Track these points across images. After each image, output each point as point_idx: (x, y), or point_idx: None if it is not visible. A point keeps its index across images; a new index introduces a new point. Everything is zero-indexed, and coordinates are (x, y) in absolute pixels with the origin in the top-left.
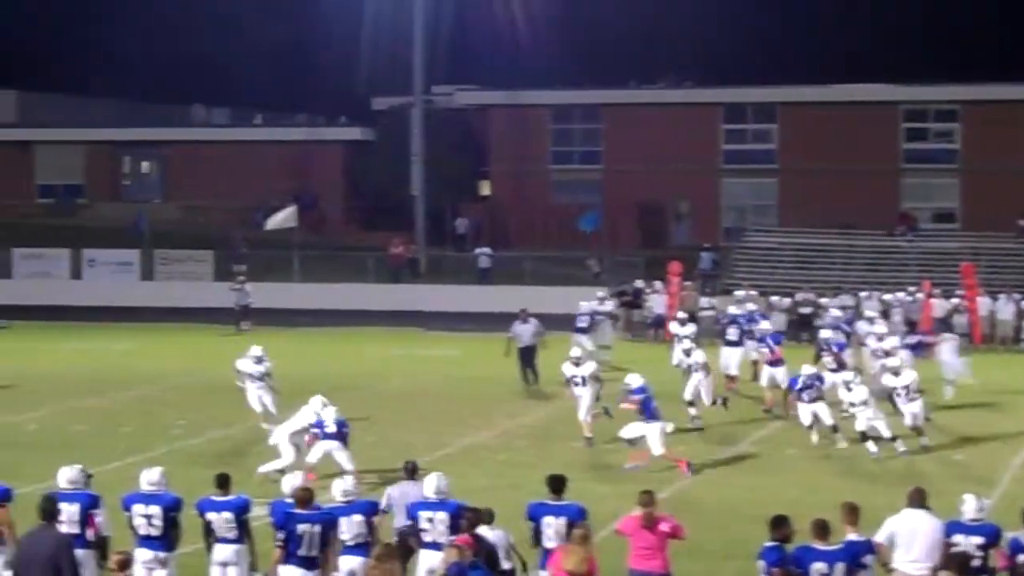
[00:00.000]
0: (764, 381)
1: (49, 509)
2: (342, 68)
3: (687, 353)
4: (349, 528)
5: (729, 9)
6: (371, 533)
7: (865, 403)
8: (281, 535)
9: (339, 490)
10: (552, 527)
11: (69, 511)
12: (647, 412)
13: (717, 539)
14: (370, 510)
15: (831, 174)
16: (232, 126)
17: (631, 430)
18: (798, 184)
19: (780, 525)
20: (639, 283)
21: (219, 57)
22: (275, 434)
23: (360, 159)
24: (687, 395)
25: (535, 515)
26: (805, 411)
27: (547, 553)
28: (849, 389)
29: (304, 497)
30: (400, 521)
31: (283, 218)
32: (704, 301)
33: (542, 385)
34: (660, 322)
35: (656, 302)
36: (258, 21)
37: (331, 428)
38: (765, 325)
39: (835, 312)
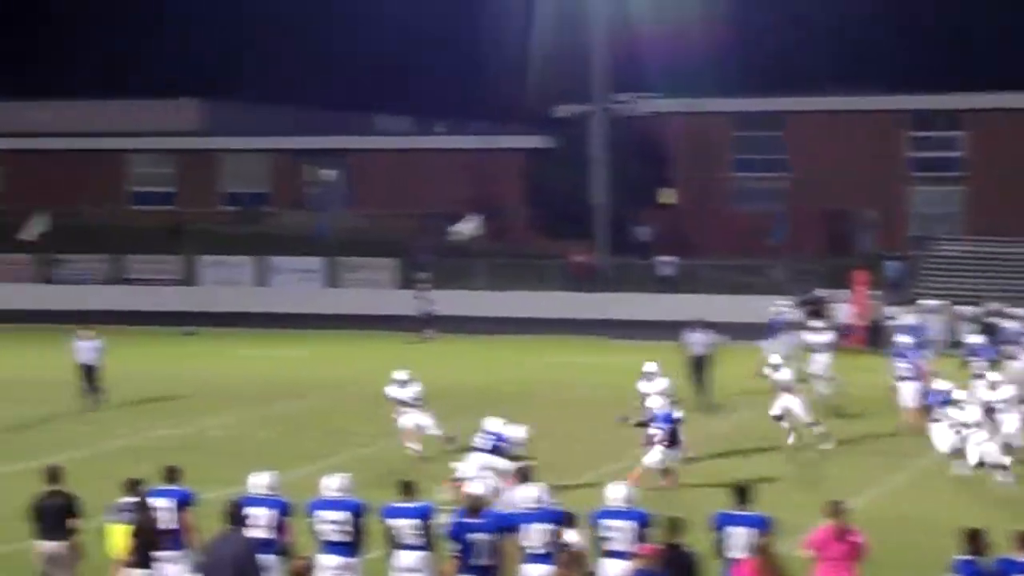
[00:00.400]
0: (906, 398)
1: (236, 514)
2: (523, 76)
3: (775, 368)
4: (535, 536)
5: (911, 15)
6: (556, 542)
7: (978, 424)
8: (455, 545)
9: (526, 497)
10: (736, 537)
11: (261, 516)
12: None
13: (903, 553)
14: (558, 519)
15: (1019, 181)
16: (414, 134)
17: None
18: (985, 191)
19: (975, 538)
20: (823, 292)
21: (401, 66)
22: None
23: (541, 167)
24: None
25: (720, 524)
26: (940, 432)
27: (731, 563)
28: (961, 408)
29: (475, 505)
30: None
31: (467, 226)
32: (890, 310)
33: (715, 396)
34: (844, 331)
35: (840, 311)
36: (439, 30)
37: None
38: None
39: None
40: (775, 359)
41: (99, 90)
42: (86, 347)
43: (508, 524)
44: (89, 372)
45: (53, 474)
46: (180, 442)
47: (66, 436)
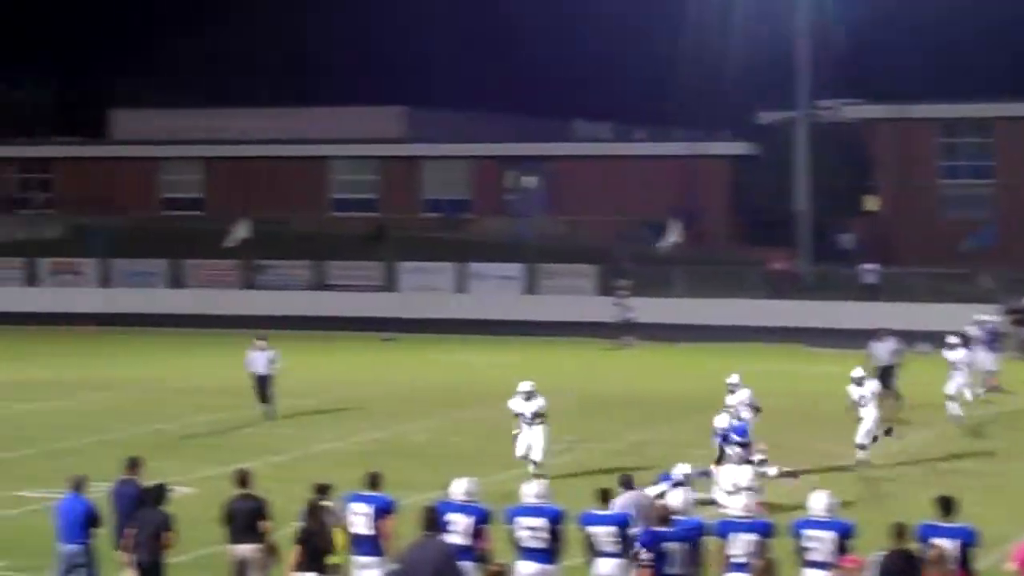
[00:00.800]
0: None
1: (433, 520)
2: (725, 82)
3: (859, 383)
4: (741, 545)
5: None
6: (762, 552)
7: None
8: (647, 555)
9: (739, 506)
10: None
11: (459, 523)
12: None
13: None
14: (766, 530)
15: None
16: (615, 141)
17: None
18: None
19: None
20: None
21: (602, 72)
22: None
23: (744, 173)
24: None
25: (923, 536)
26: None
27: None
28: None
29: (664, 515)
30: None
31: (671, 235)
32: None
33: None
34: None
35: None
36: (639, 35)
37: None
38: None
39: None
40: (857, 371)
41: (304, 97)
42: (259, 357)
43: (705, 532)
44: (262, 383)
45: (242, 478)
46: (381, 447)
47: (271, 440)
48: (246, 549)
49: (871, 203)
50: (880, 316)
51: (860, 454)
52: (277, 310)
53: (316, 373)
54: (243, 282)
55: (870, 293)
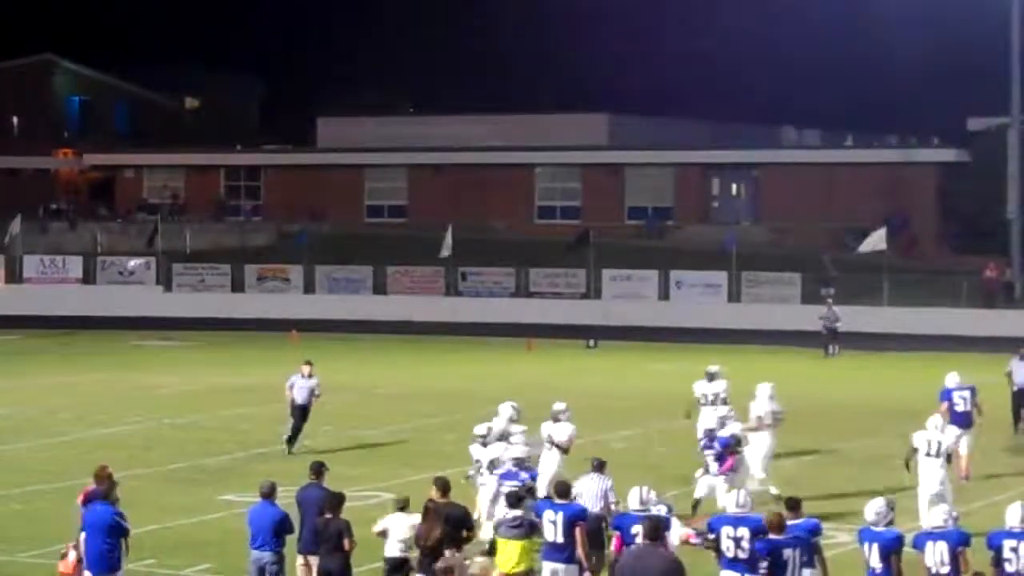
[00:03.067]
0: None
1: (656, 529)
2: (935, 88)
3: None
4: (932, 556)
5: None
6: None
7: None
8: (764, 563)
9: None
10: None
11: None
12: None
13: None
14: (961, 541)
15: None
16: (823, 147)
17: None
18: None
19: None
20: None
21: (810, 78)
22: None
23: (954, 181)
24: None
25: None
26: None
27: None
28: None
29: (776, 522)
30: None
31: (874, 241)
32: None
33: None
34: None
35: None
36: (848, 42)
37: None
38: None
39: None
40: None
41: (507, 105)
42: (303, 385)
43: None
44: (303, 412)
45: (444, 486)
46: (577, 453)
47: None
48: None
49: None
50: None
51: None
52: (480, 317)
53: (516, 378)
54: (446, 289)
55: None
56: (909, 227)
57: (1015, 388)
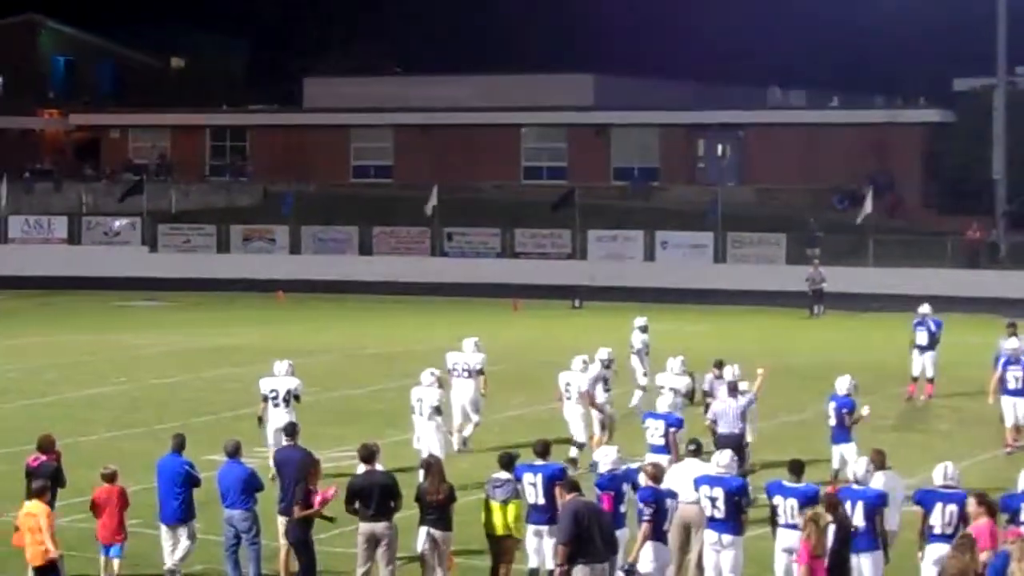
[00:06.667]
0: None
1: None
2: (921, 48)
3: None
4: (939, 516)
5: None
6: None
7: None
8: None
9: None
10: None
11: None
12: None
13: None
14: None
15: None
16: (808, 108)
17: None
18: None
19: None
20: None
21: (797, 39)
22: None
23: (939, 142)
24: None
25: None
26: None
27: None
28: None
29: (653, 473)
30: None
31: (865, 208)
32: None
33: None
34: None
35: None
36: (834, 3)
37: None
38: None
39: None
40: None
41: (493, 65)
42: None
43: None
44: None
45: (369, 455)
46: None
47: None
48: (378, 527)
49: None
50: None
51: None
52: (465, 278)
53: (502, 338)
54: (432, 249)
55: None
56: (894, 188)
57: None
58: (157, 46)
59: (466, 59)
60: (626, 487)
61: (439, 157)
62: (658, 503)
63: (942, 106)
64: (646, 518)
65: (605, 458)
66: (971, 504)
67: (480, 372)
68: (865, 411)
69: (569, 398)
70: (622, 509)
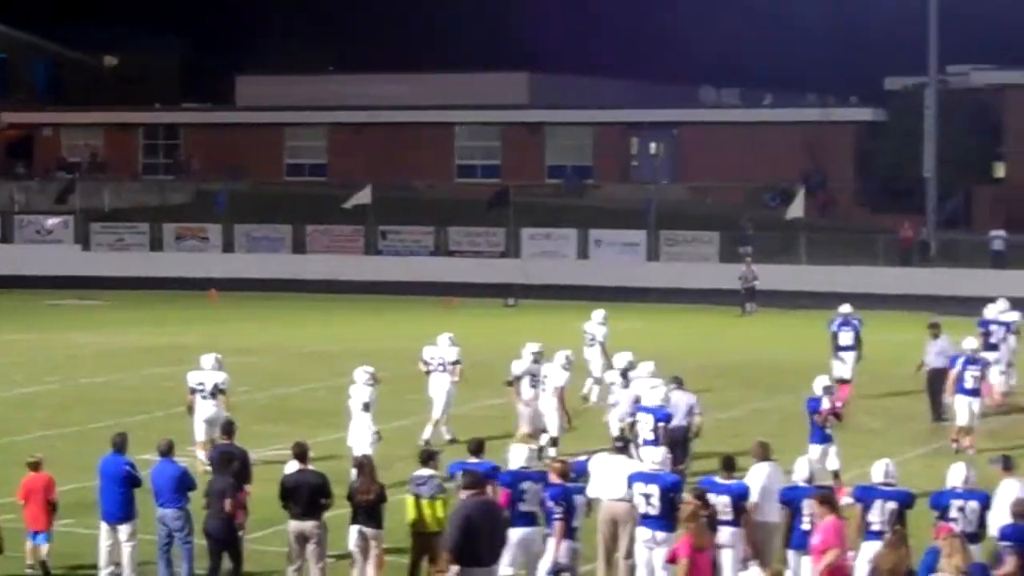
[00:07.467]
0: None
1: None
2: (853, 47)
3: None
4: (878, 513)
5: None
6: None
7: None
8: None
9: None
10: None
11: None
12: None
13: None
14: (904, 500)
15: None
16: (742, 107)
17: None
18: None
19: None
20: None
21: (730, 38)
22: None
23: (871, 140)
24: None
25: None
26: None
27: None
28: None
29: (560, 470)
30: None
31: (796, 205)
32: None
33: None
34: None
35: None
36: (768, 2)
37: None
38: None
39: None
40: None
41: (427, 63)
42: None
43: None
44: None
45: (301, 453)
46: (499, 411)
47: (400, 404)
48: (307, 525)
49: (1000, 170)
50: (1007, 284)
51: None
52: (399, 276)
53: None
54: (366, 248)
55: (997, 261)
56: (827, 186)
57: (928, 370)
58: (91, 45)
59: (401, 58)
60: (526, 485)
61: (373, 155)
62: (567, 501)
63: (874, 105)
64: (557, 516)
65: (516, 456)
66: (813, 504)
67: (456, 363)
68: (826, 404)
69: (544, 391)
70: (521, 508)
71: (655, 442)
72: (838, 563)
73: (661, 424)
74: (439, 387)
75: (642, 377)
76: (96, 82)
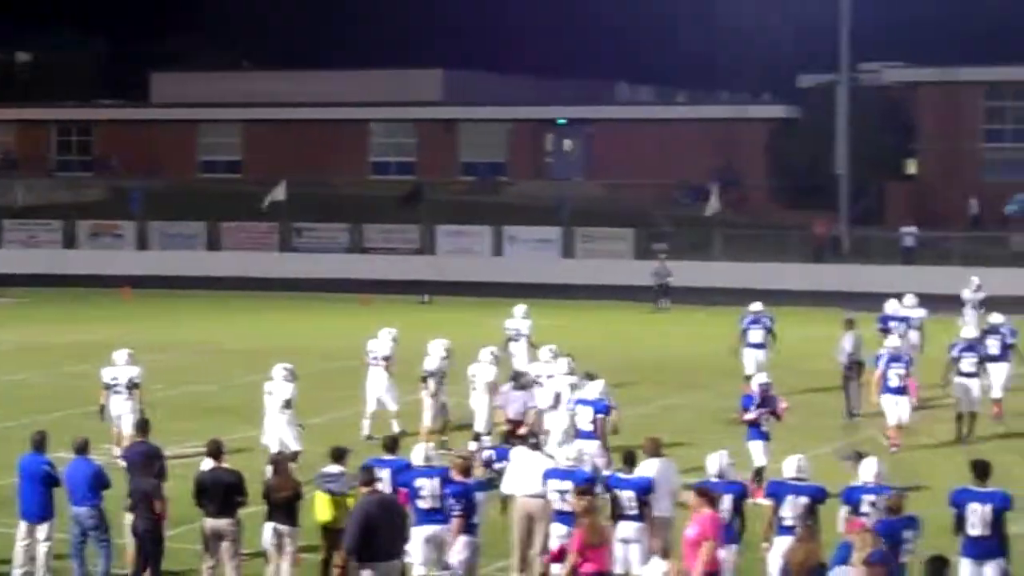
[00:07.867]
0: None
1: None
2: (766, 45)
3: None
4: (790, 509)
5: None
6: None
7: None
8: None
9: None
10: (977, 514)
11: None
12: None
13: None
14: (816, 495)
15: None
16: (656, 104)
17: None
18: None
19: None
20: None
21: (644, 35)
22: None
23: (784, 137)
24: None
25: (959, 501)
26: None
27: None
28: None
29: (463, 467)
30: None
31: (714, 203)
32: None
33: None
34: None
35: None
36: (672, 0)
37: None
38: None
39: None
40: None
41: (342, 60)
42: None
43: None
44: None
45: (216, 450)
46: (411, 408)
47: (313, 402)
48: (221, 523)
49: (912, 167)
50: (917, 280)
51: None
52: (314, 273)
53: (352, 334)
54: (281, 245)
55: (908, 257)
56: (740, 183)
57: (843, 363)
58: (3, 41)
59: (316, 55)
60: (420, 483)
61: (288, 152)
62: (468, 498)
63: (787, 102)
64: (456, 513)
65: (415, 454)
66: (691, 497)
67: (387, 358)
68: (783, 404)
69: (475, 389)
70: (420, 505)
71: (593, 435)
72: (713, 555)
73: (600, 416)
74: (375, 382)
75: (560, 374)
76: (7, 78)
